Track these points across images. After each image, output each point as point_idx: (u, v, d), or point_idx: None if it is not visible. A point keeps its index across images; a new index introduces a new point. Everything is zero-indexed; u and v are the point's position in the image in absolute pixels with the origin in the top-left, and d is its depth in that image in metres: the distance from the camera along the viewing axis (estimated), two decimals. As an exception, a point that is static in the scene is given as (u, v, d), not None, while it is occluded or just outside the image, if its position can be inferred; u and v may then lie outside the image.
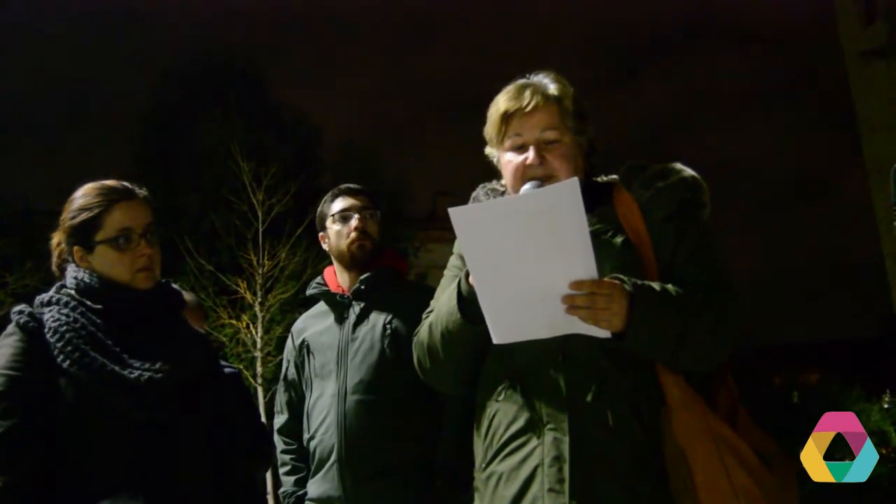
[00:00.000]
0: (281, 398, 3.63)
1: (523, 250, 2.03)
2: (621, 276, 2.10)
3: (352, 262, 3.43)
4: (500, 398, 2.27)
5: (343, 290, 3.45)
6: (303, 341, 3.50)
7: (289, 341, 3.61)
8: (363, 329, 3.33)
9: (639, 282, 2.11)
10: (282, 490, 3.55)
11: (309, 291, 3.59)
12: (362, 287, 3.38)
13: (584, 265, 2.02)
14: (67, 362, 2.31)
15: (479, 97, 2.48)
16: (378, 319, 3.32)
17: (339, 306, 3.44)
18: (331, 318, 3.46)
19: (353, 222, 3.41)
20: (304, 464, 3.43)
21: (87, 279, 2.46)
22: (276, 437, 3.61)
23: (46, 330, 2.37)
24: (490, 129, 2.41)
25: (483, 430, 2.32)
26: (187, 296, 3.88)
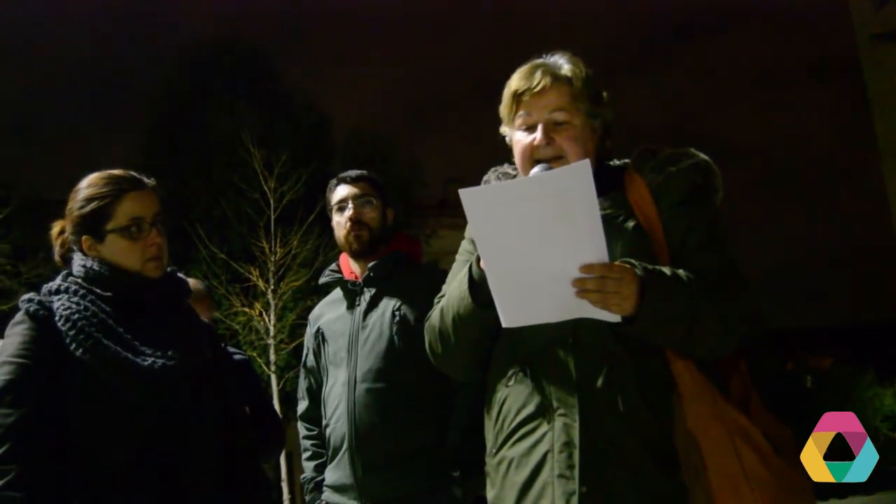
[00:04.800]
0: (302, 384, 3.65)
1: (534, 233, 2.00)
2: (632, 261, 2.08)
3: (351, 252, 3.44)
4: (511, 383, 2.26)
5: (356, 277, 3.45)
6: (318, 329, 3.51)
7: (308, 328, 3.62)
8: (373, 316, 3.33)
9: (650, 266, 2.09)
10: (303, 476, 3.58)
11: (322, 279, 3.60)
12: (371, 274, 3.37)
13: (594, 248, 2.00)
14: (80, 350, 2.31)
15: (492, 83, 2.47)
16: (388, 306, 3.31)
17: (350, 294, 3.44)
18: (344, 306, 3.46)
19: (347, 212, 3.41)
20: (325, 450, 3.44)
21: (96, 267, 2.46)
22: (299, 424, 3.63)
23: (57, 318, 2.36)
24: (503, 108, 2.40)
25: (494, 414, 2.32)
26: (196, 284, 3.88)
